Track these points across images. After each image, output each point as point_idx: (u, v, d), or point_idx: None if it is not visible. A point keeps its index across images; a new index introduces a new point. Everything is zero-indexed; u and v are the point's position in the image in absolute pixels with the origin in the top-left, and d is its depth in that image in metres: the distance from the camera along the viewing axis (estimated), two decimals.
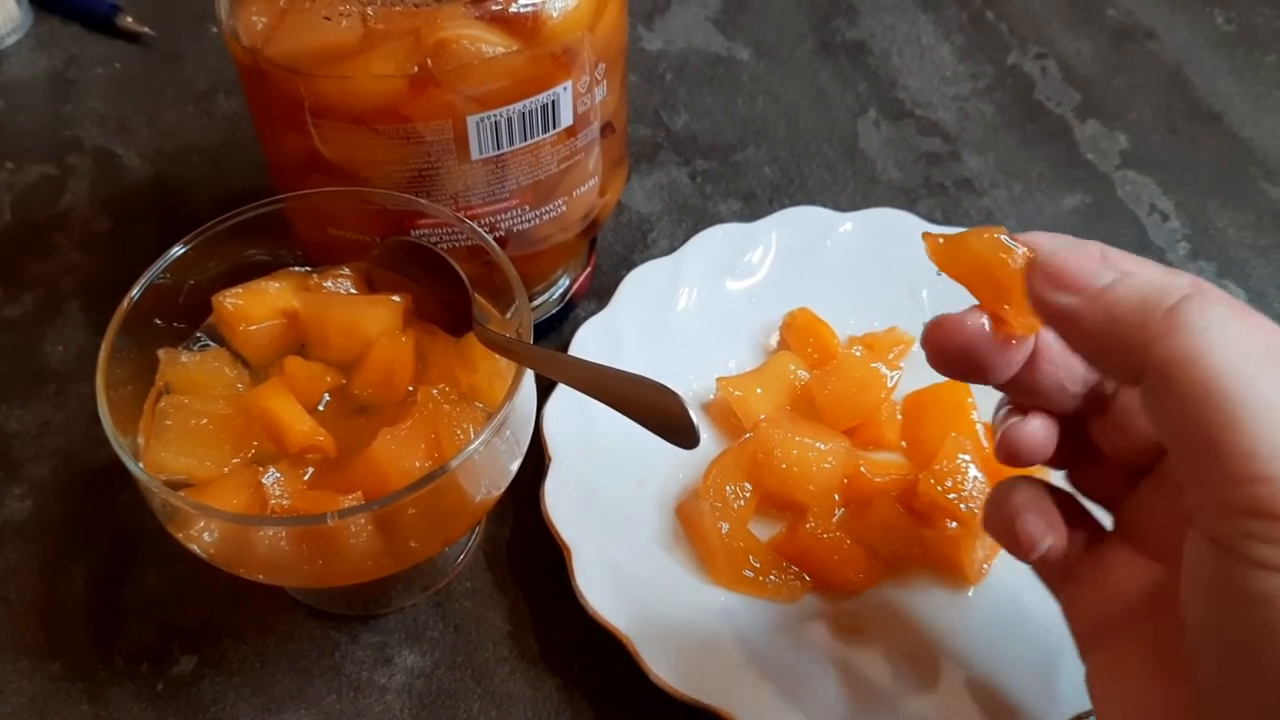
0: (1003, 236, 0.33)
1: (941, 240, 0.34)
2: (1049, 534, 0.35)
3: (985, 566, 0.46)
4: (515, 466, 0.42)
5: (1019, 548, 0.35)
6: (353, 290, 0.46)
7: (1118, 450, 0.35)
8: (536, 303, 0.56)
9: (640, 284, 0.54)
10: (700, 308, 0.55)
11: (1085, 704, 0.41)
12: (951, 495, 0.46)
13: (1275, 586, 0.27)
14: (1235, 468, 0.27)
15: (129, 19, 0.73)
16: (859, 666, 0.44)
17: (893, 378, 0.51)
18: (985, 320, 0.33)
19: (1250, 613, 0.27)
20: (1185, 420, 0.28)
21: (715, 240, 0.56)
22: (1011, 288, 0.32)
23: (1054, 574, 0.37)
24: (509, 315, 0.44)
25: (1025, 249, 0.32)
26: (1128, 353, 0.29)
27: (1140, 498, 0.36)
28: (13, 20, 0.73)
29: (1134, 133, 0.67)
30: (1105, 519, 0.37)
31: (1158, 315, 0.28)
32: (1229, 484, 0.27)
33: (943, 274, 0.34)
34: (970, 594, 0.46)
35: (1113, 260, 0.31)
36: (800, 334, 0.54)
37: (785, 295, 0.55)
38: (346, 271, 0.46)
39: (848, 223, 0.57)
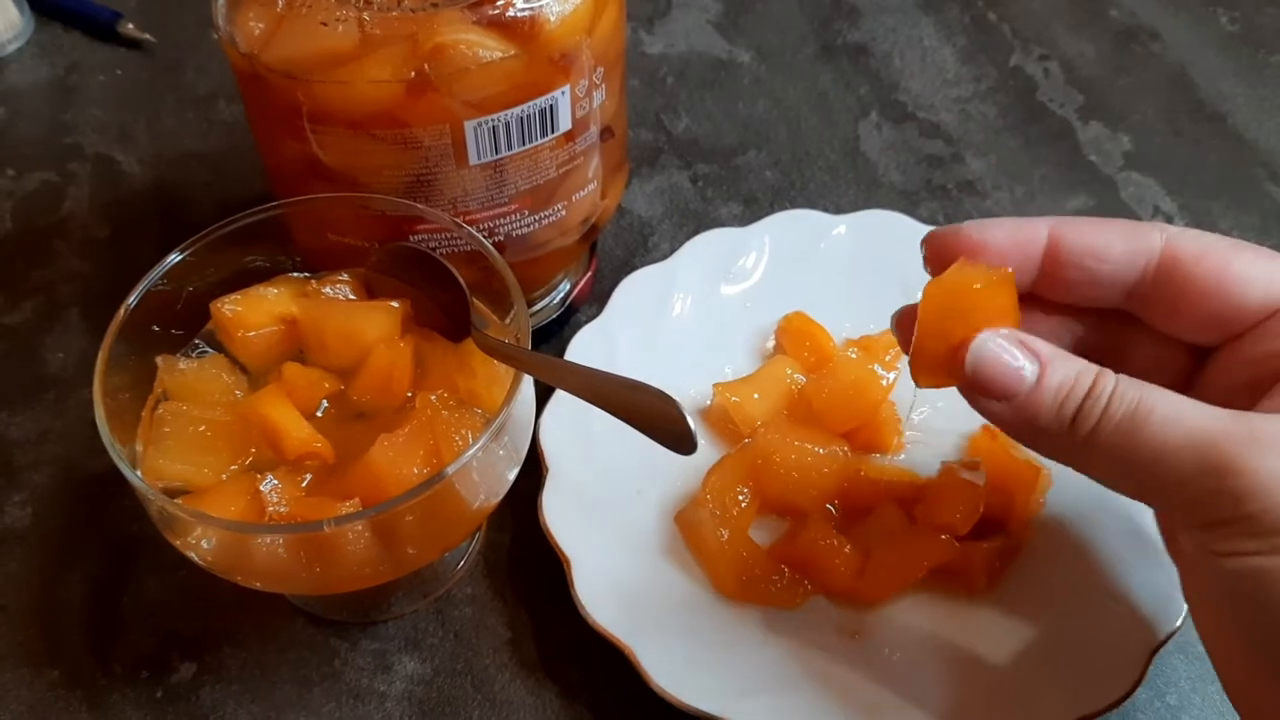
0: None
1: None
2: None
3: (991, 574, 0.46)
4: (513, 474, 0.42)
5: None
6: (351, 296, 0.46)
7: (1179, 330, 0.37)
8: (537, 307, 0.56)
9: (634, 291, 0.54)
10: (695, 313, 0.55)
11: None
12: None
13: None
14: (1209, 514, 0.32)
15: (130, 26, 0.73)
16: (861, 674, 0.43)
17: (889, 379, 0.51)
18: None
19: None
20: (1137, 489, 0.34)
21: (709, 245, 0.56)
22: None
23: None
24: (508, 321, 0.44)
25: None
26: (1057, 449, 0.35)
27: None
28: (14, 27, 0.74)
29: (1137, 134, 0.67)
30: None
31: (1071, 421, 0.33)
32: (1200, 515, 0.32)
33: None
34: (976, 600, 0.46)
35: (1031, 348, 0.35)
36: (796, 338, 0.54)
37: (780, 299, 0.55)
38: (345, 277, 0.46)
39: (841, 225, 0.57)
